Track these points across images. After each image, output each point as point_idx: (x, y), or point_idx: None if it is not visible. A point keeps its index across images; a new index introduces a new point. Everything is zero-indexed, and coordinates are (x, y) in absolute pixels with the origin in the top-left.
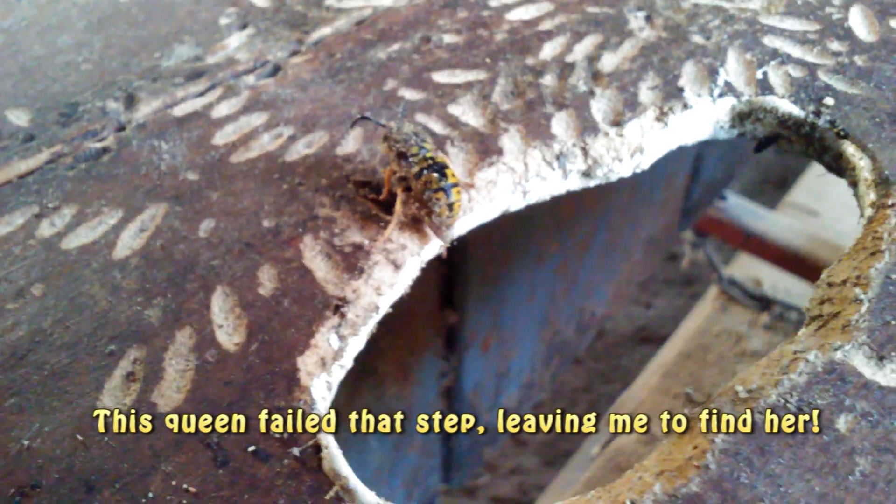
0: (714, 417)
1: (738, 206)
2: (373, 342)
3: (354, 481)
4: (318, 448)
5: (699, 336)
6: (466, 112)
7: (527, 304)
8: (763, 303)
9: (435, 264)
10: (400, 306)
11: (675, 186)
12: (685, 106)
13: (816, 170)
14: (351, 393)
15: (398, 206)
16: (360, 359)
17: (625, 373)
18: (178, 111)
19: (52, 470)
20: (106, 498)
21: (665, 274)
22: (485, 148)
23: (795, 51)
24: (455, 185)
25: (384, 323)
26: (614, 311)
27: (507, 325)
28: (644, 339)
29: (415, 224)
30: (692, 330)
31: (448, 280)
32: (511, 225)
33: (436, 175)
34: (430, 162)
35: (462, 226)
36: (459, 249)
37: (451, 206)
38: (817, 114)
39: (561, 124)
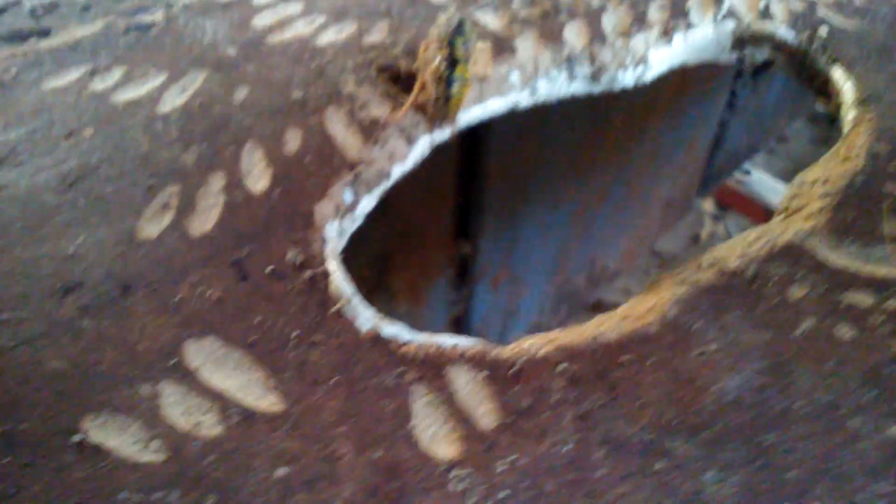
0: (677, 278)
1: (762, 182)
2: (387, 258)
3: (357, 300)
4: (326, 274)
5: None
6: (487, 15)
7: (540, 245)
8: None
9: (451, 192)
10: (415, 228)
11: (697, 150)
12: (689, 25)
13: None
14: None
15: (416, 88)
16: (374, 273)
17: None
18: None
19: (93, 273)
20: (139, 298)
21: (687, 255)
22: (500, 47)
23: None
24: (464, 80)
25: (399, 241)
26: (626, 267)
27: (518, 264)
28: None
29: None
30: None
31: (464, 210)
32: (528, 164)
33: (445, 65)
34: (449, 53)
35: (474, 115)
36: (476, 182)
37: (447, 98)
38: (811, 41)
39: (572, 32)
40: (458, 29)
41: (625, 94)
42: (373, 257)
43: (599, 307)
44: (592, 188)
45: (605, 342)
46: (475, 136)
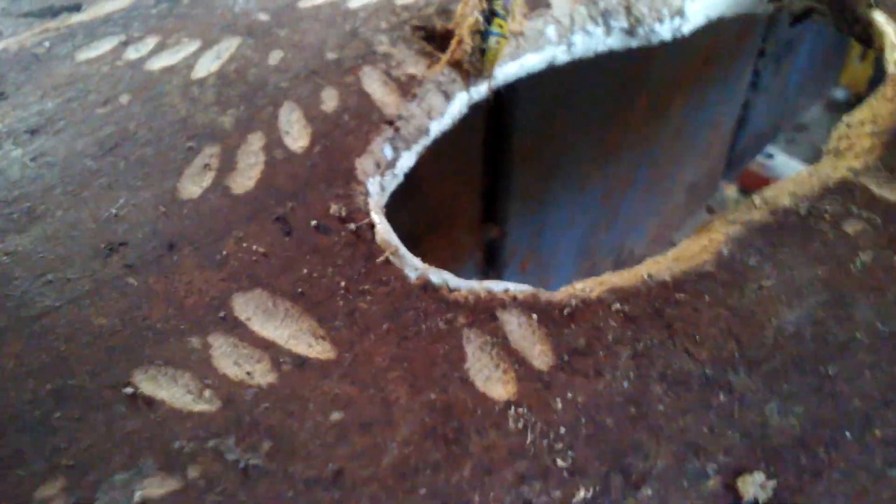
0: (728, 219)
1: (785, 165)
2: (416, 240)
3: (403, 250)
4: (371, 226)
5: None
6: None
7: (567, 230)
8: None
9: (478, 176)
10: (444, 212)
11: (721, 132)
12: None
13: None
14: None
15: (454, 43)
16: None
17: None
18: None
19: (137, 232)
20: (185, 254)
21: None
22: (534, 2)
23: None
24: (500, 34)
25: (427, 226)
26: (652, 252)
27: (546, 249)
28: None
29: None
30: None
31: (491, 194)
32: (555, 147)
33: (482, 18)
34: (486, 7)
35: (510, 71)
36: (503, 165)
37: (482, 51)
38: None
39: None
40: None
41: (649, 73)
42: (401, 242)
43: None
44: (619, 171)
45: (660, 281)
46: (502, 120)
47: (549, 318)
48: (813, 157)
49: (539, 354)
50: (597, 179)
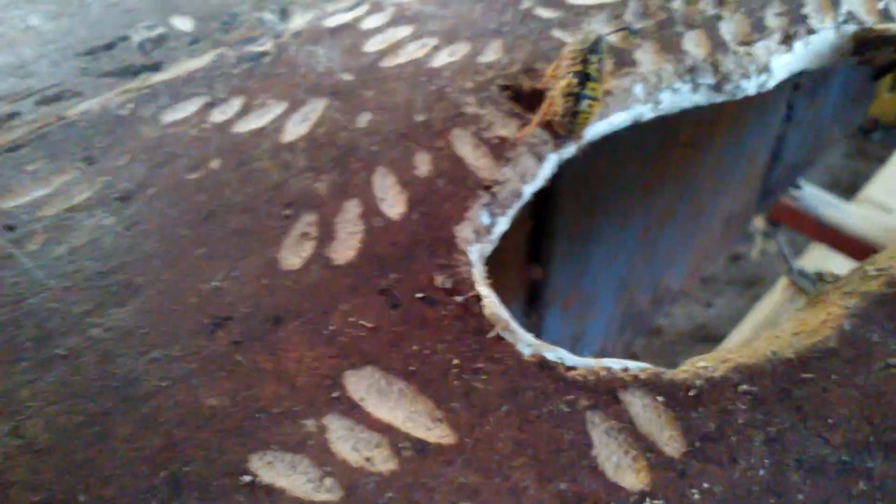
0: (844, 290)
1: (814, 196)
2: None
3: (514, 324)
4: (478, 298)
5: (767, 327)
6: (601, 29)
7: (608, 266)
8: None
9: (523, 217)
10: (491, 254)
11: (756, 164)
12: (810, 31)
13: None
14: None
15: (545, 105)
16: None
17: None
18: (330, 23)
19: (241, 306)
20: (292, 329)
21: (728, 274)
22: (619, 60)
23: None
24: (593, 97)
25: None
26: (687, 287)
27: (588, 287)
28: (702, 338)
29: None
30: (760, 320)
31: (535, 235)
32: (599, 184)
33: (576, 81)
34: (580, 70)
35: (598, 130)
36: (548, 205)
37: (575, 113)
38: None
39: (691, 42)
40: (595, 46)
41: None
42: None
43: (659, 332)
44: (659, 206)
45: (784, 359)
46: None
47: (675, 400)
48: (831, 182)
49: (669, 440)
50: (638, 215)
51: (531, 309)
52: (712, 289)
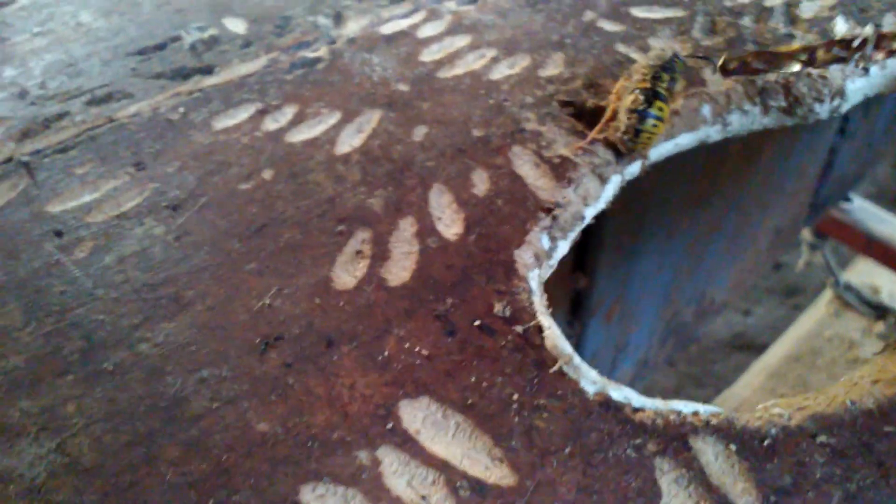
0: None
1: (863, 209)
2: None
3: (578, 359)
4: (540, 329)
5: (810, 339)
6: (666, 44)
7: (653, 278)
8: (879, 311)
9: None
10: None
11: (807, 177)
12: (891, 53)
13: None
14: None
15: (604, 119)
16: None
17: (718, 379)
18: (386, 29)
19: (293, 325)
20: (345, 353)
21: (768, 282)
22: (687, 78)
23: None
24: (658, 117)
25: None
26: (733, 300)
27: (632, 298)
28: (740, 347)
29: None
30: (803, 333)
31: (581, 244)
32: (648, 196)
33: (642, 98)
34: (649, 87)
35: (665, 150)
36: (595, 216)
37: (638, 132)
38: None
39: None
40: (669, 64)
41: None
42: None
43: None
44: (707, 218)
45: (864, 410)
46: None
47: (749, 449)
48: (877, 193)
49: (742, 493)
50: (685, 227)
51: (574, 318)
52: (752, 297)
